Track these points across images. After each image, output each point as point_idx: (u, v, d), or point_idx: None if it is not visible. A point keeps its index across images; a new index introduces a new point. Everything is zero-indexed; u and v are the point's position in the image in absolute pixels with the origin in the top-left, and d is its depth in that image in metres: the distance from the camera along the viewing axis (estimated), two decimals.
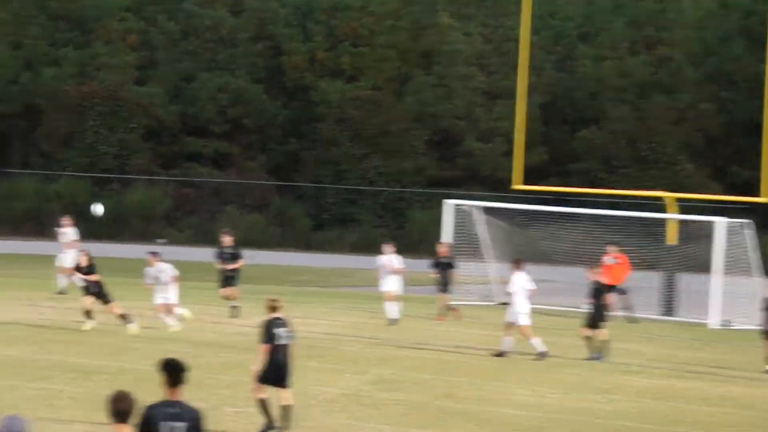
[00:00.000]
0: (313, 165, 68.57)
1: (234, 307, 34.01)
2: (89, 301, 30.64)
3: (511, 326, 28.65)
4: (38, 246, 55.46)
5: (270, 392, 18.97)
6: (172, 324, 31.03)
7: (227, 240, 35.01)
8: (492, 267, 42.90)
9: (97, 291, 30.61)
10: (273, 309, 18.71)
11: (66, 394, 23.99)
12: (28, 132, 71.10)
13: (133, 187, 67.74)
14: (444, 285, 35.78)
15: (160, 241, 62.25)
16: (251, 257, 39.59)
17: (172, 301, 31.47)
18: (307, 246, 64.76)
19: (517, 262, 29.12)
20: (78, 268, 31.41)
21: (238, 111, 68.71)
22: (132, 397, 11.81)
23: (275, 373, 18.84)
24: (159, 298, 31.41)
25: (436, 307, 36.79)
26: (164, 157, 69.49)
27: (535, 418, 22.42)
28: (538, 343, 28.53)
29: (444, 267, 35.88)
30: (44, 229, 60.67)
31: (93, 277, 30.73)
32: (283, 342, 18.90)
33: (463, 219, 42.42)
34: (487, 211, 42.97)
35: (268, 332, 18.60)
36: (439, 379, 26.28)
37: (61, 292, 37.53)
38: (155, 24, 69.81)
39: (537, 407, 23.33)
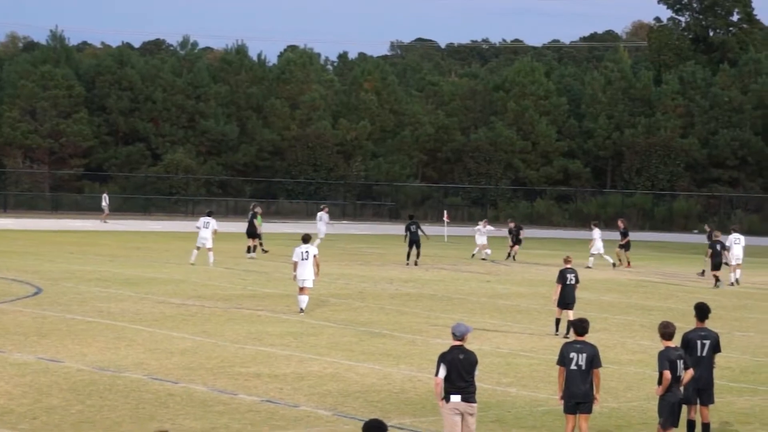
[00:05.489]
0: None
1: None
2: None
3: None
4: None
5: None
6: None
7: None
8: None
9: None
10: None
11: (638, 323, 30.71)
12: (615, 167, 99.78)
13: (678, 200, 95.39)
14: None
15: (695, 231, 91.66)
16: None
17: None
18: None
19: None
20: None
21: (743, 152, 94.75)
22: (673, 325, 15.81)
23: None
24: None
25: None
26: (695, 181, 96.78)
27: None
28: None
29: None
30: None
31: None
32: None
33: None
34: None
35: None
36: None
37: None
38: (693, 100, 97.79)
39: None
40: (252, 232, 50.57)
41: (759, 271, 51.05)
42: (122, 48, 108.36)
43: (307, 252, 30.52)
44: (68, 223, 72.92)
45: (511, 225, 55.80)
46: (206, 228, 45.38)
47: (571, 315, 27.80)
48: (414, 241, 49.24)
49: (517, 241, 54.70)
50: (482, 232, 53.98)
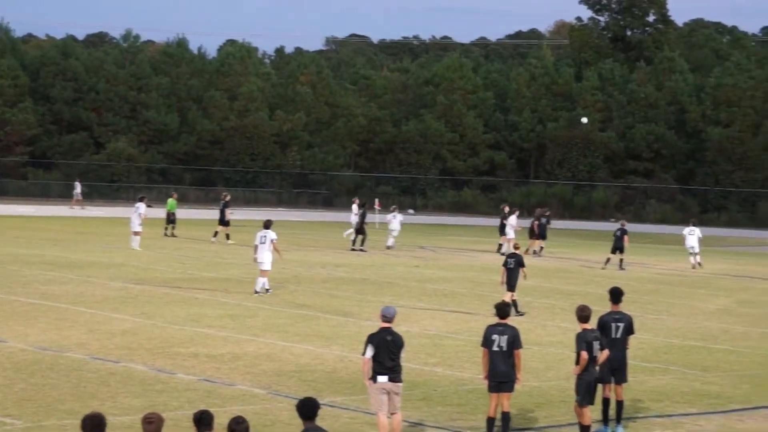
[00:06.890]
0: (702, 175, 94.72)
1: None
2: None
3: None
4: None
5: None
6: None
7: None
8: None
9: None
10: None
11: (558, 307, 30.79)
12: (538, 158, 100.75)
13: (596, 190, 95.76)
14: None
15: (612, 220, 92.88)
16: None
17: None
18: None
19: None
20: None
21: (658, 145, 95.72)
22: (590, 308, 15.84)
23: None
24: None
25: None
26: (613, 172, 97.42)
27: None
28: None
29: None
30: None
31: None
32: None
33: None
34: None
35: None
36: None
37: None
38: (611, 96, 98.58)
39: None
40: (222, 220, 50.58)
41: (669, 258, 51.54)
42: (66, 40, 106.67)
43: (264, 236, 30.93)
44: (13, 208, 71.88)
45: (506, 209, 51.54)
46: (135, 212, 45.09)
47: (510, 296, 28.18)
48: (358, 226, 49.64)
49: (503, 231, 50.76)
50: (394, 220, 51.49)
